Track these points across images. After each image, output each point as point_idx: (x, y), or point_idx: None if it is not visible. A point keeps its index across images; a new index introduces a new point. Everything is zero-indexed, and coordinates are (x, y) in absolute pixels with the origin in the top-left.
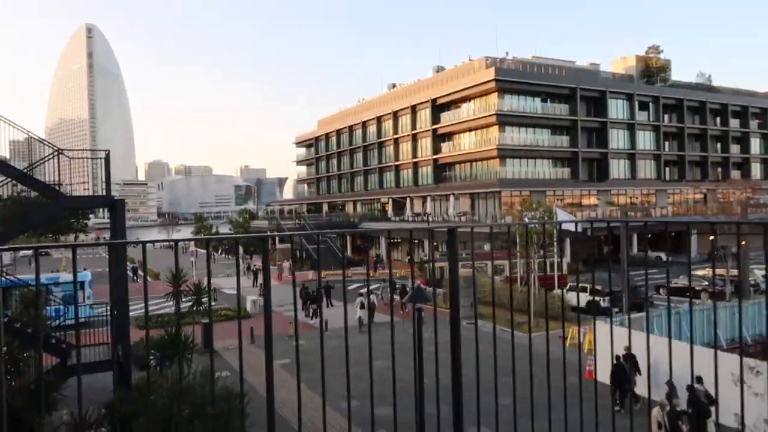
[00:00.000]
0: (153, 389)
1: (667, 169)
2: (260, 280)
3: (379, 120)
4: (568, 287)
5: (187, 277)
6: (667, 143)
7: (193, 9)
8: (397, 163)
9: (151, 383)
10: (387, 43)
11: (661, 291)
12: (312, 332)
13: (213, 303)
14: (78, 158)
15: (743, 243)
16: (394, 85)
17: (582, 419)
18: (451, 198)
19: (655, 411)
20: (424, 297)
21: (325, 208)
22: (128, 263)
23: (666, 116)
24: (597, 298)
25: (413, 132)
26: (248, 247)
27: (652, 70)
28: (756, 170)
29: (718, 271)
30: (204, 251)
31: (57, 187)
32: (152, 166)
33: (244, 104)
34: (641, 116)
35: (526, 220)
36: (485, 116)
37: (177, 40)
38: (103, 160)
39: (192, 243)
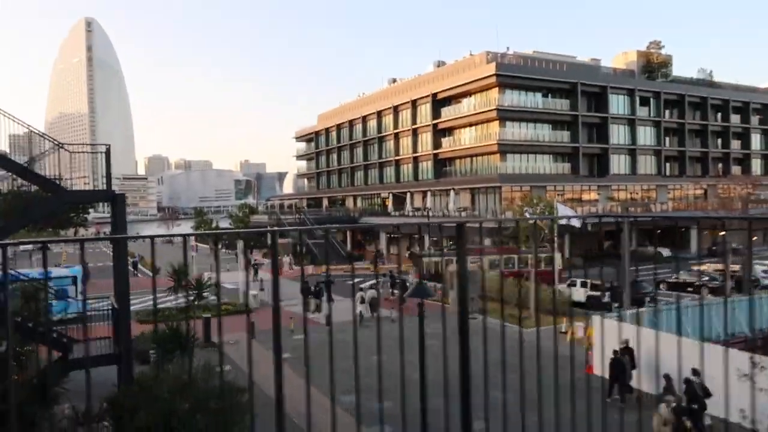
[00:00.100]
0: (155, 383)
1: (668, 164)
2: (261, 274)
3: (379, 115)
4: (568, 282)
5: (188, 272)
6: (667, 139)
7: (193, 8)
8: (397, 157)
9: (153, 377)
10: (387, 42)
11: (662, 286)
12: (312, 326)
13: (213, 297)
14: (78, 152)
15: (754, 238)
16: (394, 80)
17: (571, 413)
18: (452, 193)
19: (661, 407)
20: (426, 292)
21: (326, 202)
22: (128, 257)
23: (667, 112)
24: (597, 293)
25: (413, 127)
26: (248, 242)
27: (654, 65)
28: (756, 166)
29: (719, 266)
30: (204, 246)
31: (57, 182)
32: (152, 161)
33: (244, 99)
34: (642, 112)
35: (527, 215)
36: (486, 111)
37: (177, 37)
38: (103, 155)
39: (192, 237)
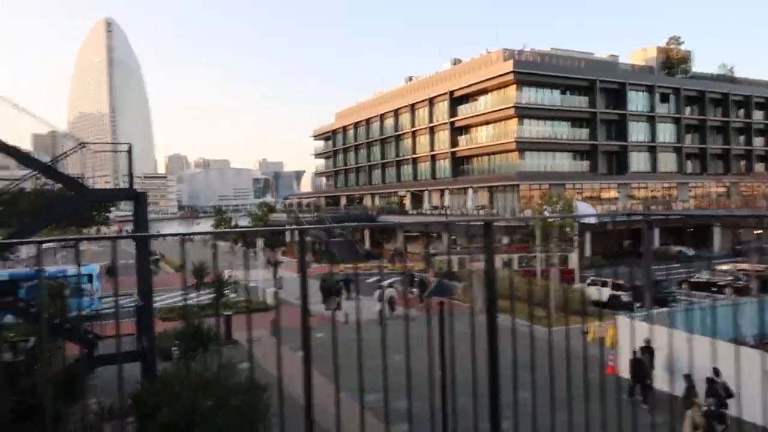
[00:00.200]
0: (177, 381)
1: (689, 162)
2: (280, 272)
3: (396, 113)
4: (589, 282)
5: (208, 270)
6: (688, 136)
7: (210, 7)
8: (414, 156)
9: (175, 374)
10: (404, 41)
11: (684, 286)
12: (330, 324)
13: (233, 295)
14: (101, 151)
15: None
16: (411, 78)
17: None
18: (469, 191)
19: (691, 411)
20: (447, 290)
21: (343, 201)
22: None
23: (687, 108)
24: (619, 293)
25: (431, 125)
26: (267, 240)
27: (673, 61)
28: None
29: (743, 266)
30: (224, 243)
31: (80, 180)
32: (172, 160)
33: (262, 98)
34: (662, 108)
35: (546, 213)
36: (503, 109)
37: (197, 37)
38: (124, 154)
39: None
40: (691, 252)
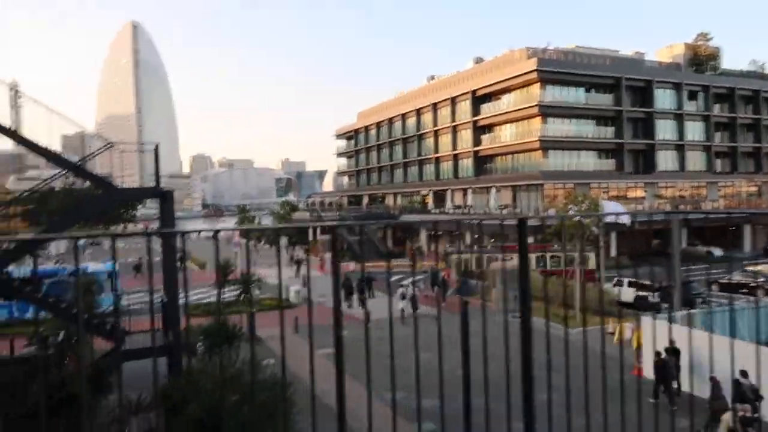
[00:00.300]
0: (203, 376)
1: (718, 160)
2: (303, 270)
3: (418, 112)
4: (614, 282)
5: (233, 267)
6: (717, 134)
7: (233, 9)
8: (436, 155)
9: (201, 370)
10: (426, 40)
11: (713, 287)
12: (354, 322)
13: (257, 292)
14: (129, 151)
15: None
16: (433, 77)
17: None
18: (492, 190)
19: (727, 416)
20: (470, 289)
21: (365, 200)
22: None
23: (716, 106)
24: (646, 294)
25: (453, 124)
26: (290, 238)
27: (701, 58)
28: None
29: None
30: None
31: (109, 180)
32: (196, 159)
33: (285, 99)
34: (690, 106)
35: (571, 213)
36: (527, 107)
37: (221, 38)
38: (150, 153)
39: (236, 234)
40: (719, 252)
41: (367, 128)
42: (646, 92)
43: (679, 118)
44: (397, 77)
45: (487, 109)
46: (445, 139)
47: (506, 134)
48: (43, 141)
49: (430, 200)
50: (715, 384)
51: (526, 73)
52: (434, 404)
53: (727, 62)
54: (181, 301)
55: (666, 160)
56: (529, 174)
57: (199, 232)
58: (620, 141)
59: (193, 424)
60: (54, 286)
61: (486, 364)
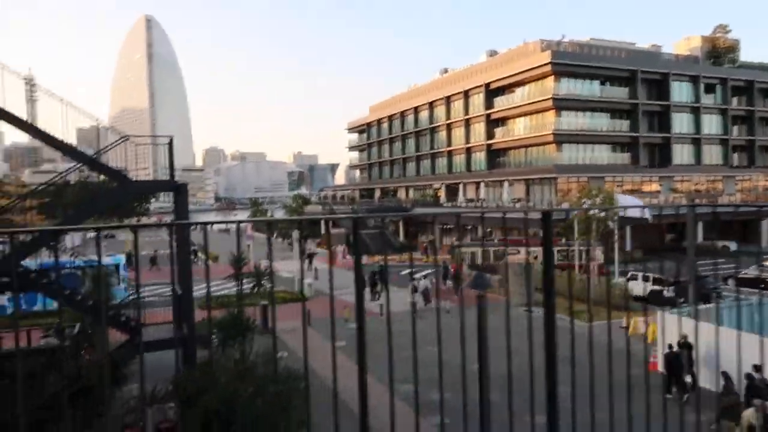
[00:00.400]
0: (217, 368)
1: (735, 154)
2: (315, 264)
3: (431, 105)
4: (628, 276)
5: (247, 260)
6: (735, 127)
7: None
8: (449, 148)
9: (215, 362)
10: (439, 32)
11: (730, 282)
12: (367, 316)
13: (269, 285)
14: (143, 144)
15: None
16: (446, 70)
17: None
18: (505, 184)
19: (749, 412)
20: (485, 282)
21: (377, 193)
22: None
23: (734, 99)
24: (660, 288)
25: (466, 117)
26: (302, 231)
27: (719, 50)
28: None
29: None
30: (261, 235)
31: (123, 173)
32: (209, 153)
33: (296, 92)
34: (707, 99)
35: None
36: (541, 100)
37: (233, 32)
38: (165, 147)
39: (248, 227)
40: (736, 247)
41: (379, 121)
42: (662, 85)
43: (696, 111)
44: (409, 70)
45: (501, 102)
46: (458, 133)
47: (520, 127)
48: (58, 134)
49: (442, 194)
50: (727, 378)
51: (540, 66)
52: (447, 398)
53: (746, 55)
54: (201, 293)
55: (682, 153)
56: (543, 168)
57: (222, 223)
58: (635, 134)
59: (207, 414)
60: (65, 278)
61: (510, 358)
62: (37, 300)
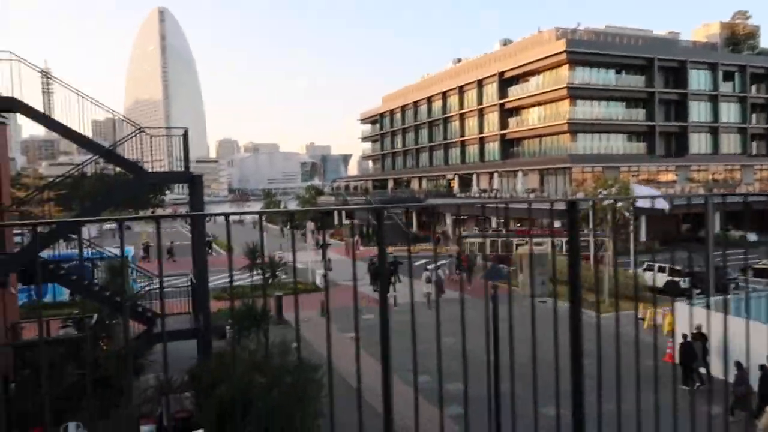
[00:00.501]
0: (233, 359)
1: (754, 143)
2: (328, 254)
3: (444, 95)
4: (645, 267)
5: (259, 252)
6: (754, 116)
7: None
8: (462, 138)
9: (231, 352)
10: (452, 21)
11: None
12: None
13: (284, 276)
14: (158, 136)
15: None
16: (459, 60)
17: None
18: (519, 174)
19: None
20: (500, 274)
21: (390, 184)
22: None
23: (753, 87)
24: (676, 279)
25: (479, 107)
26: (317, 222)
27: (739, 37)
28: None
29: None
30: (274, 226)
31: (139, 165)
32: (222, 144)
33: (309, 83)
34: (725, 87)
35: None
36: (555, 89)
37: (245, 22)
38: (180, 138)
39: (264, 217)
40: (754, 237)
41: (392, 112)
42: (679, 73)
43: (714, 99)
44: (422, 60)
45: (515, 92)
46: (472, 123)
47: (534, 117)
48: (75, 126)
49: (455, 184)
50: (740, 368)
51: (554, 55)
52: (461, 389)
53: (766, 41)
54: (215, 284)
55: (699, 142)
56: (557, 157)
57: (244, 214)
58: (652, 123)
59: (224, 404)
60: (73, 269)
61: (535, 348)
62: (46, 291)
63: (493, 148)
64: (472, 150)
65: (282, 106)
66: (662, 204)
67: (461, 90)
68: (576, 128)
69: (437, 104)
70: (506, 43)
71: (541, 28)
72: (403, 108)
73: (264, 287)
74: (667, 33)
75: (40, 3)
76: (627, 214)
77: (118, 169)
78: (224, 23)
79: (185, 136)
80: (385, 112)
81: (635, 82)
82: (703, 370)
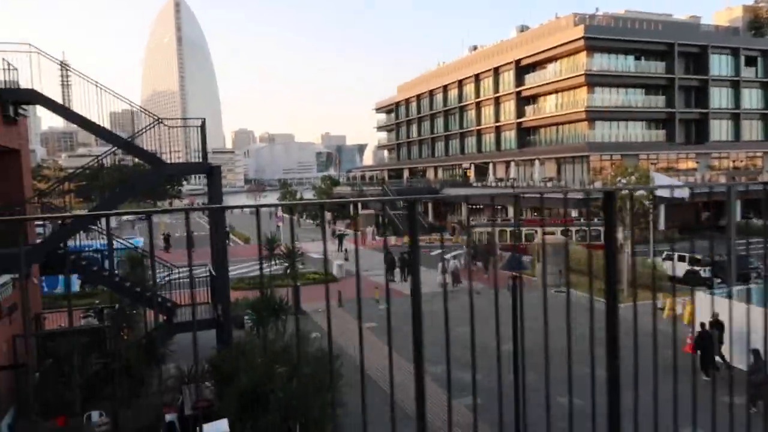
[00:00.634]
0: (252, 349)
1: None
2: (345, 245)
3: (460, 84)
4: (664, 256)
5: (278, 242)
6: None
7: None
8: (478, 127)
9: (250, 342)
10: (467, 10)
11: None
12: (397, 298)
13: (301, 267)
14: (176, 127)
15: None
16: (475, 47)
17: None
18: (536, 163)
19: None
20: (520, 264)
21: (406, 173)
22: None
23: None
24: (697, 268)
25: (496, 95)
26: (333, 213)
27: (762, 20)
28: None
29: None
30: (289, 216)
31: (158, 156)
32: (238, 135)
33: (324, 73)
34: (748, 72)
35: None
36: (573, 77)
37: (260, 14)
38: (197, 129)
39: (279, 208)
40: None
41: (407, 101)
42: (700, 59)
43: (736, 85)
44: (438, 48)
45: (532, 80)
46: (488, 111)
47: (551, 105)
48: (94, 118)
49: (471, 173)
50: (756, 356)
51: (572, 41)
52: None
53: None
54: (235, 274)
55: (720, 129)
56: (575, 146)
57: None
58: (671, 110)
59: (244, 394)
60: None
61: (570, 342)
62: (59, 282)
63: (509, 136)
64: (489, 139)
65: (297, 96)
66: (682, 192)
67: (477, 78)
68: (594, 116)
69: (453, 93)
70: (523, 29)
71: (559, 14)
72: (419, 97)
73: (293, 276)
74: (689, 17)
75: None
76: (647, 203)
77: (135, 160)
78: (239, 12)
79: (203, 126)
80: (400, 101)
81: (655, 68)
82: (718, 358)
